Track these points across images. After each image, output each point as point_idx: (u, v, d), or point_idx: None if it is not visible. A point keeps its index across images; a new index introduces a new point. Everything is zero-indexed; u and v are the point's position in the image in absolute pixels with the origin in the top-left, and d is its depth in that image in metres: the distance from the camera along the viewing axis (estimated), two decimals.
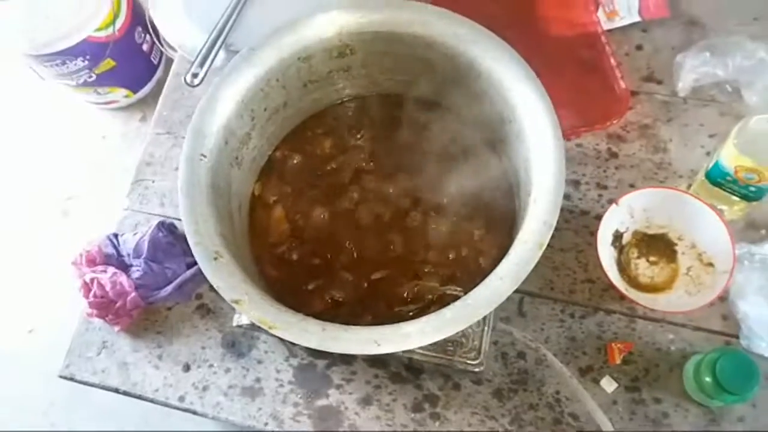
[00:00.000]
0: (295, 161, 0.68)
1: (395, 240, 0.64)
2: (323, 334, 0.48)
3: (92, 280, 0.77)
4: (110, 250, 0.80)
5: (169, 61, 1.16)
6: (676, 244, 0.75)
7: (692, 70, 0.82)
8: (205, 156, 0.56)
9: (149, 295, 0.78)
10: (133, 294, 0.77)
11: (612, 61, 0.83)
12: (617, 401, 0.71)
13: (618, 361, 0.71)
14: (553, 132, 0.53)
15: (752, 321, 0.70)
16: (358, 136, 0.68)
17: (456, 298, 0.57)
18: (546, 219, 0.50)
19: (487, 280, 0.50)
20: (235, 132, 0.60)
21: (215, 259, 0.52)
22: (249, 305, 0.50)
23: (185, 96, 0.92)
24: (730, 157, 0.68)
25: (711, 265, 0.71)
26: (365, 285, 0.62)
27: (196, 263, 0.78)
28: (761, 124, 0.65)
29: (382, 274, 0.62)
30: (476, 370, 0.66)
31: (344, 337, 0.49)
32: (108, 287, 0.77)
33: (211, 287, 0.79)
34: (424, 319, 0.49)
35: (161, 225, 0.80)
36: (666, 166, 0.81)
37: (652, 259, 0.75)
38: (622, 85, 0.81)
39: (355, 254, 0.63)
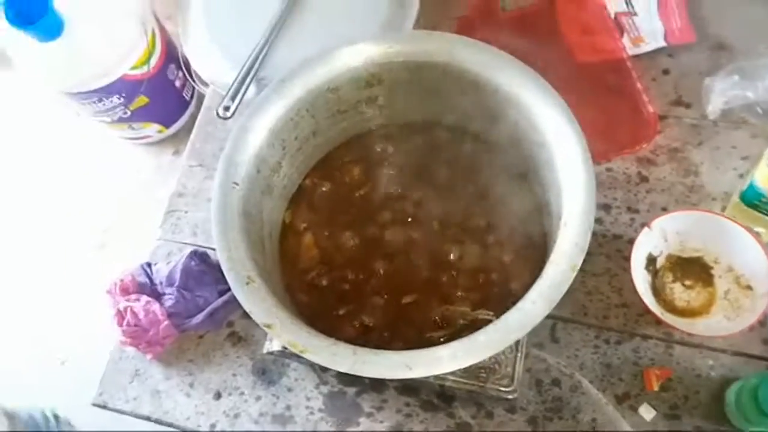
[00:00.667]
0: (324, 189, 0.69)
1: (425, 265, 0.64)
2: (354, 358, 0.48)
3: (126, 308, 0.79)
4: (143, 278, 0.82)
5: (201, 97, 1.19)
6: (712, 268, 0.74)
7: (722, 93, 0.82)
8: (237, 184, 0.57)
9: (181, 323, 0.79)
10: (165, 322, 0.78)
11: (638, 85, 0.83)
12: (657, 430, 0.69)
13: (656, 388, 0.70)
14: (582, 156, 0.53)
15: None
16: (386, 163, 0.69)
17: (488, 322, 0.56)
18: (578, 241, 0.49)
19: (519, 304, 0.49)
20: (267, 160, 0.61)
21: (247, 284, 0.52)
22: (281, 329, 0.50)
23: (217, 129, 0.94)
24: (765, 178, 0.67)
25: (749, 288, 0.69)
26: (395, 310, 0.62)
27: (227, 291, 0.81)
28: None
29: (412, 299, 0.62)
30: (509, 397, 0.65)
31: (375, 361, 0.48)
32: (141, 315, 0.78)
33: (243, 314, 0.81)
34: (455, 343, 0.49)
35: (193, 254, 0.81)
36: (698, 189, 0.80)
37: (687, 282, 0.74)
38: (650, 109, 0.81)
39: (384, 280, 0.64)
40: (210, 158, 0.93)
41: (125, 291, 0.80)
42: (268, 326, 0.50)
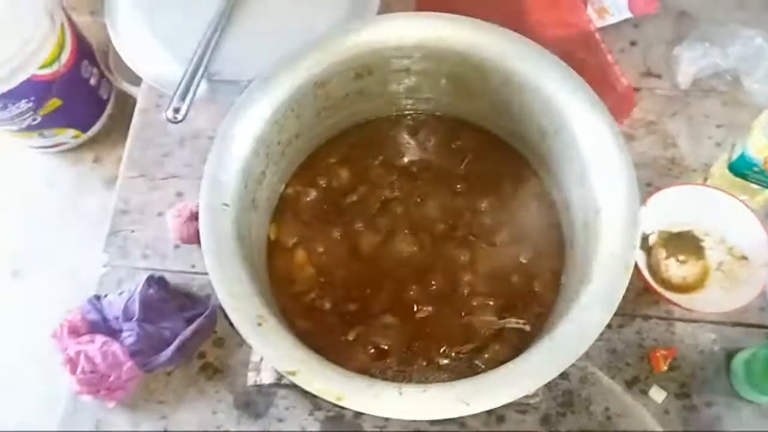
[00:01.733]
0: (310, 197, 0.61)
1: (436, 272, 0.58)
2: (400, 400, 0.42)
3: (78, 353, 0.67)
4: (94, 315, 0.70)
5: (121, 95, 1.06)
6: (702, 240, 0.73)
7: (691, 62, 0.81)
8: (228, 205, 0.48)
9: (147, 362, 0.69)
10: (129, 364, 0.67)
11: (609, 58, 0.81)
12: (669, 411, 0.67)
13: (664, 368, 0.68)
14: (612, 137, 0.49)
15: None
16: (377, 162, 0.62)
17: (520, 331, 0.52)
18: (626, 239, 0.45)
19: (572, 314, 0.44)
20: (252, 172, 0.53)
21: (259, 324, 0.44)
22: (308, 375, 0.43)
23: (157, 133, 0.83)
24: (758, 148, 0.66)
25: (744, 258, 0.69)
26: (411, 327, 0.56)
27: (195, 318, 0.71)
28: None
29: (428, 313, 0.56)
30: (532, 401, 0.61)
31: (424, 401, 0.42)
32: (98, 359, 0.67)
33: (215, 342, 0.72)
34: (508, 367, 0.44)
35: (150, 280, 0.71)
36: (679, 162, 0.79)
37: (681, 258, 0.73)
38: (624, 82, 0.79)
39: (393, 294, 0.57)
40: (153, 167, 0.81)
41: (74, 332, 0.69)
42: (293, 373, 0.43)
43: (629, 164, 0.48)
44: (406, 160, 0.62)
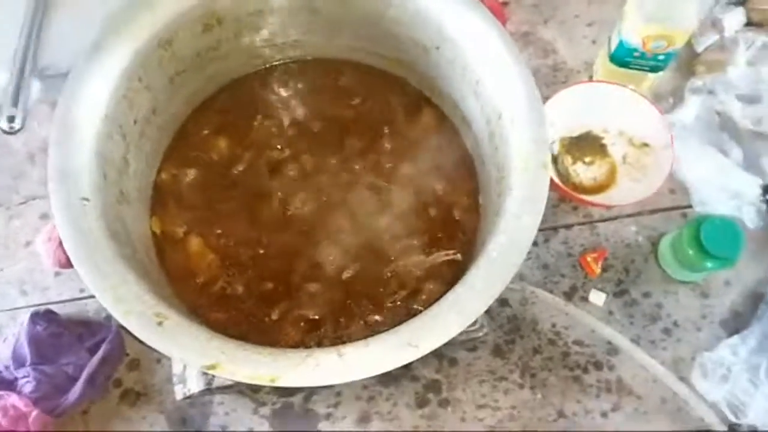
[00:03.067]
0: (190, 177, 0.54)
1: (350, 226, 0.53)
2: (342, 361, 0.37)
3: None
4: None
5: None
6: (603, 138, 0.73)
7: None
8: (88, 199, 0.41)
9: (55, 407, 0.61)
10: (34, 413, 0.59)
11: None
12: (612, 311, 0.67)
13: (598, 272, 0.68)
14: (497, 36, 0.46)
15: (700, 185, 0.69)
16: (256, 123, 0.56)
17: (451, 264, 0.48)
18: (536, 136, 0.42)
19: (502, 225, 0.41)
20: (111, 159, 0.45)
21: (160, 323, 0.38)
22: (231, 364, 0.37)
23: (0, 155, 0.72)
24: (635, 31, 0.66)
25: (646, 145, 0.70)
26: (339, 290, 0.51)
27: (98, 346, 0.63)
28: None
29: (354, 271, 0.51)
30: (480, 334, 0.58)
31: (368, 354, 0.38)
32: None
33: (130, 365, 0.65)
34: (449, 297, 0.40)
35: (35, 317, 0.63)
36: (561, 66, 0.78)
37: (587, 160, 0.72)
38: None
39: (311, 260, 0.52)
40: (5, 193, 0.72)
41: None
42: (213, 367, 0.36)
43: (520, 60, 0.45)
44: (287, 114, 0.56)
